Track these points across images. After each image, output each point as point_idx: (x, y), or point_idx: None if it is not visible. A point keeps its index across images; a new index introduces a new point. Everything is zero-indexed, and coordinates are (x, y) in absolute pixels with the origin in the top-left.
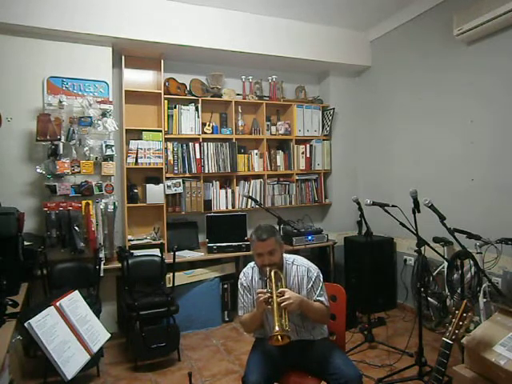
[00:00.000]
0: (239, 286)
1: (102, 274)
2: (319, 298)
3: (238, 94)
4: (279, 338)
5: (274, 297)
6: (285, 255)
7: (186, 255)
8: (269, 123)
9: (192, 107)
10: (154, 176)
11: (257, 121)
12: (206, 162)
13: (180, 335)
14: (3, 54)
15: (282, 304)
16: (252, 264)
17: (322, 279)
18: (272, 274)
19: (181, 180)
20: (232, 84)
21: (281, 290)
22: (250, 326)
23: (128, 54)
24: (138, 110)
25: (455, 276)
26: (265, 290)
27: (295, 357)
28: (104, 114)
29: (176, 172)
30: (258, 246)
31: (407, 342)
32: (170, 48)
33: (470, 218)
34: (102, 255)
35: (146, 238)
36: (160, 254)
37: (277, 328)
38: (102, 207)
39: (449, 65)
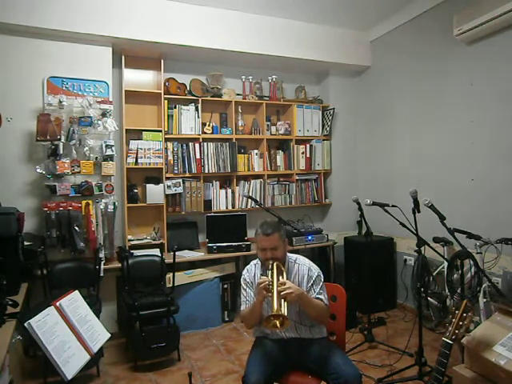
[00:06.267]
0: (242, 281)
1: (101, 274)
2: (319, 296)
3: (238, 94)
4: (276, 323)
5: (275, 285)
6: (288, 254)
7: (186, 255)
8: (269, 123)
9: (192, 107)
10: (154, 176)
11: (257, 121)
12: (206, 162)
13: (180, 335)
14: (3, 54)
15: (282, 293)
16: (255, 261)
17: (322, 279)
18: (274, 265)
19: (181, 180)
20: (232, 84)
21: (282, 280)
22: (250, 318)
23: (128, 54)
24: (138, 110)
25: (455, 276)
26: (266, 278)
27: (295, 356)
28: (104, 114)
29: (176, 172)
30: (262, 240)
31: (407, 342)
32: (170, 48)
33: (469, 218)
34: (102, 255)
35: (146, 238)
36: (160, 254)
37: (275, 307)
38: (101, 207)
39: (449, 65)
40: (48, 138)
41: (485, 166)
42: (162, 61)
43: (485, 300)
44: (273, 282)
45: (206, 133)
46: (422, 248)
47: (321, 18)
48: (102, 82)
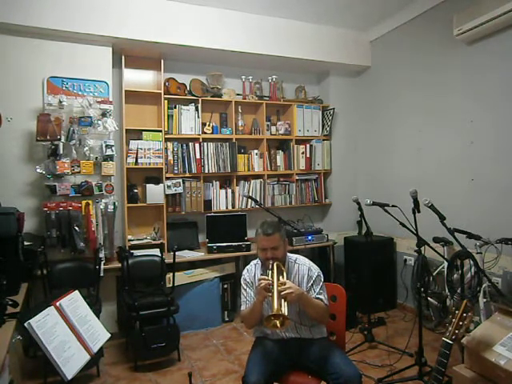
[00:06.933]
0: (242, 281)
1: (102, 274)
2: (319, 296)
3: (238, 94)
4: (276, 322)
5: (275, 285)
6: (288, 254)
7: (186, 255)
8: (269, 123)
9: (192, 107)
10: (154, 176)
11: (257, 121)
12: (206, 162)
13: (180, 335)
14: (3, 54)
15: (283, 293)
16: (255, 261)
17: (322, 279)
18: (274, 265)
19: (181, 180)
20: (232, 84)
21: (282, 280)
22: (251, 318)
23: (128, 54)
24: (138, 110)
25: (455, 276)
26: (266, 277)
27: (295, 356)
28: (104, 114)
29: (176, 172)
30: (262, 240)
31: (407, 342)
32: (170, 48)
33: (470, 218)
34: (102, 255)
35: (146, 238)
36: (160, 254)
37: (275, 307)
38: (101, 207)
39: (449, 65)
40: (48, 138)
41: (485, 166)
42: (162, 61)
43: (485, 300)
44: (273, 281)
45: (206, 133)
46: (422, 248)
47: (321, 18)
48: (102, 82)
